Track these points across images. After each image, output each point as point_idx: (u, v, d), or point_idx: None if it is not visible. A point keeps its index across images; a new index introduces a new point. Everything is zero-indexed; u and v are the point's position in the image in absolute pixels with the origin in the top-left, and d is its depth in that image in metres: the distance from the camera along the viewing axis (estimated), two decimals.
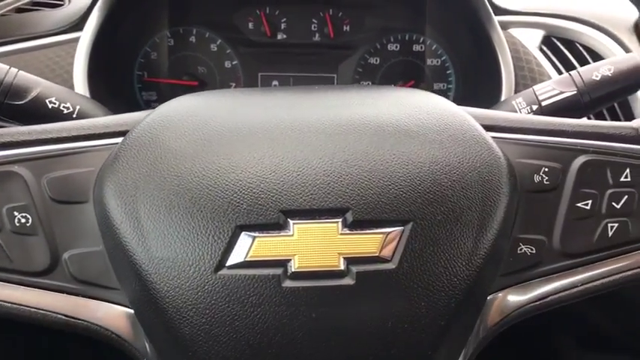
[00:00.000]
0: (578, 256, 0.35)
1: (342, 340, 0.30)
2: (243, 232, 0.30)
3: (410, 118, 0.35)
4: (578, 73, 0.51)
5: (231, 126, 0.33)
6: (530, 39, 0.72)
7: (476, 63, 0.75)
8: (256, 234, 0.30)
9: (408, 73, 0.80)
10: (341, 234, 0.30)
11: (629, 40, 0.67)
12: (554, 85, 0.51)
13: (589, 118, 0.66)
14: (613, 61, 0.49)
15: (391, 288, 0.30)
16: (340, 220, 0.30)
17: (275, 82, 0.80)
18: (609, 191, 0.35)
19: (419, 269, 0.30)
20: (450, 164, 0.33)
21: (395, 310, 0.30)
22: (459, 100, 0.81)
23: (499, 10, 0.74)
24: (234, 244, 0.30)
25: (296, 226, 0.30)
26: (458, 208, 0.32)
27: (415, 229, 0.31)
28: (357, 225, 0.30)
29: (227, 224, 0.30)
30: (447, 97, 0.83)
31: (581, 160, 0.35)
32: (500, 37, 0.68)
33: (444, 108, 0.36)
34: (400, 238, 0.30)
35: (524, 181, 0.35)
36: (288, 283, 0.30)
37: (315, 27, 0.78)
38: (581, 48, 0.70)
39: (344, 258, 0.30)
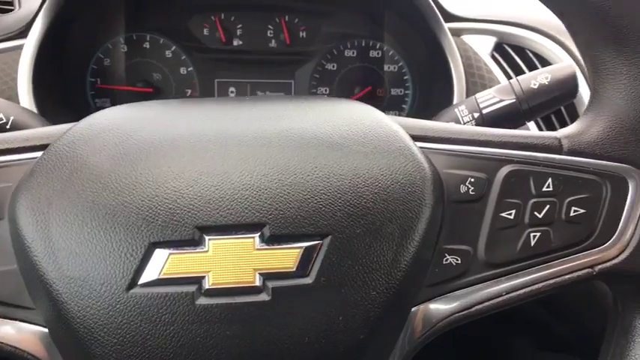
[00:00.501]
0: (502, 265, 0.35)
1: (257, 358, 0.30)
2: (157, 249, 0.29)
3: (336, 130, 0.34)
4: (518, 81, 0.52)
5: (152, 139, 0.33)
6: (483, 46, 0.73)
7: (430, 69, 0.76)
8: (170, 251, 0.29)
9: (365, 79, 0.80)
10: (257, 249, 0.30)
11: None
12: (495, 93, 0.51)
13: (537, 124, 0.68)
14: (550, 69, 0.50)
15: (308, 303, 0.30)
16: (257, 235, 0.30)
17: (232, 89, 0.79)
18: (532, 201, 0.35)
19: (336, 283, 0.30)
20: (372, 176, 0.33)
21: (312, 326, 0.30)
22: (416, 105, 0.83)
23: (452, 18, 0.74)
24: (148, 261, 0.29)
25: (211, 242, 0.30)
26: (378, 220, 0.32)
27: (334, 242, 0.31)
28: (275, 240, 0.30)
29: (140, 241, 0.29)
30: (404, 102, 0.84)
31: (505, 170, 0.35)
32: (450, 44, 0.69)
33: (372, 119, 0.36)
34: (318, 252, 0.30)
35: (450, 191, 0.35)
36: (202, 301, 0.29)
37: (271, 33, 0.78)
38: (531, 55, 0.71)
39: (260, 274, 0.30)
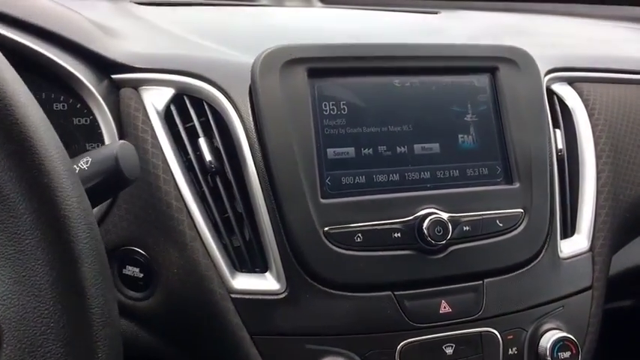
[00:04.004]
0: None
1: None
2: None
3: None
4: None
5: None
6: (158, 98, 0.66)
7: None
8: None
9: None
10: None
11: (244, 104, 0.63)
12: None
13: None
14: (93, 152, 0.44)
15: None
16: None
17: None
18: None
19: None
20: None
21: None
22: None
23: (127, 69, 0.67)
24: None
25: None
26: None
27: None
28: None
29: None
30: None
31: None
32: (96, 102, 0.63)
33: None
34: None
35: None
36: None
37: None
38: (207, 107, 0.65)
39: None
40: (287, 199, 0.58)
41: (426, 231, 0.60)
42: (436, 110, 0.66)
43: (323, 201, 0.59)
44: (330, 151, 0.62)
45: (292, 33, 0.85)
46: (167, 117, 0.64)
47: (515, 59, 0.69)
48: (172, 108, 0.64)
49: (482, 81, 0.69)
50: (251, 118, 0.61)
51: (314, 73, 0.62)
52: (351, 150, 0.63)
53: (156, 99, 0.65)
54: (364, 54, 0.65)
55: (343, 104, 0.64)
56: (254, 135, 0.61)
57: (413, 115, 0.65)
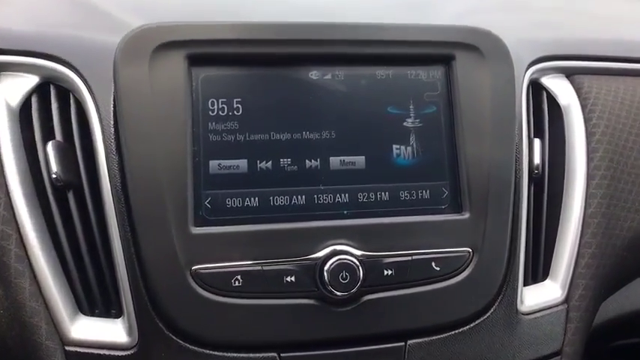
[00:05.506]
0: None
1: None
2: None
3: None
4: None
5: None
6: (16, 88, 0.53)
7: None
8: None
9: None
10: None
11: (107, 99, 0.49)
12: None
13: None
14: None
15: None
16: None
17: None
18: None
19: None
20: None
21: None
22: None
23: None
24: None
25: None
26: None
27: None
28: None
29: None
30: None
31: None
32: None
33: None
34: None
35: None
36: None
37: None
38: (73, 104, 0.52)
39: None
40: (144, 225, 0.45)
41: (327, 275, 0.45)
42: (365, 112, 0.50)
43: (195, 230, 0.46)
44: (213, 163, 0.48)
45: (231, 6, 0.70)
46: (25, 112, 0.52)
47: (478, 45, 0.52)
48: (34, 101, 0.52)
49: (432, 74, 0.52)
50: (112, 119, 0.48)
51: (197, 61, 0.48)
52: (242, 163, 0.48)
53: (12, 89, 0.52)
54: (269, 36, 0.49)
55: (237, 103, 0.49)
56: (113, 140, 0.47)
57: (333, 118, 0.50)
